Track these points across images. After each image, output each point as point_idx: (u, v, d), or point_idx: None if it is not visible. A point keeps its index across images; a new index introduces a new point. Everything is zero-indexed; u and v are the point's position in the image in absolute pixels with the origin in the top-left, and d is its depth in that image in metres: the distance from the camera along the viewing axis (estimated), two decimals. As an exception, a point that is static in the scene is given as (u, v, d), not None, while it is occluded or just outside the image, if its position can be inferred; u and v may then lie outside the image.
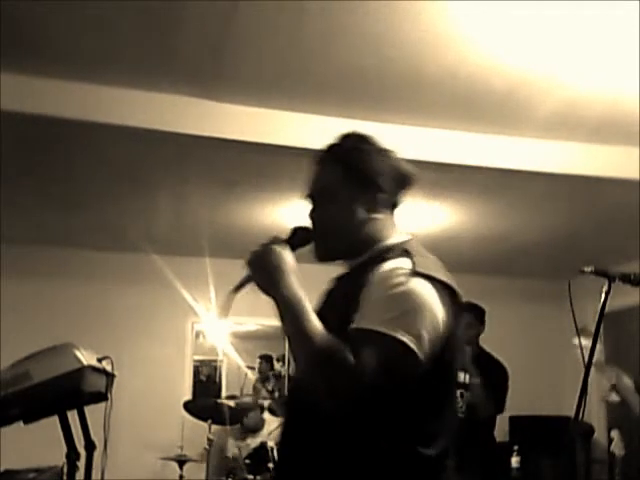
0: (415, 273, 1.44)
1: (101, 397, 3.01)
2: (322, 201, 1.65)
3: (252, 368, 7.13)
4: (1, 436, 3.52)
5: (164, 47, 3.16)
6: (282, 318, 1.44)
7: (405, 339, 1.36)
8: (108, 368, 2.99)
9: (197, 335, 6.85)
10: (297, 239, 1.63)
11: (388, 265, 1.48)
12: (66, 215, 5.48)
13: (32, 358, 2.74)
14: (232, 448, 5.36)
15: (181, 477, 5.08)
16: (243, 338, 7.08)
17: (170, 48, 3.17)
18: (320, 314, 1.44)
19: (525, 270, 6.74)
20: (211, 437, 5.05)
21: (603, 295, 2.60)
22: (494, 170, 4.09)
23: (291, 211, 5.33)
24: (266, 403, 5.80)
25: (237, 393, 6.65)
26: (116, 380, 3.12)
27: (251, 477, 4.79)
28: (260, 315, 7.41)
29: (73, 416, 2.86)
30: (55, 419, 2.74)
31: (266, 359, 7.43)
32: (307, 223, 1.68)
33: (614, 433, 4.14)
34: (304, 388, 1.47)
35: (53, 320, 5.88)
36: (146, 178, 4.65)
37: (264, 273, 1.49)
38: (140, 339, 6.34)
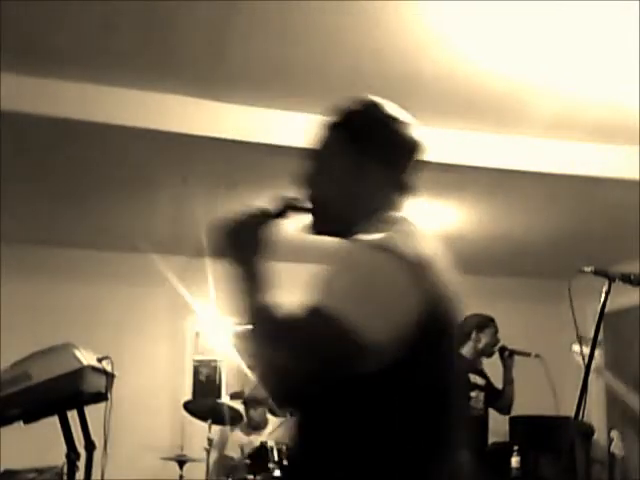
0: (378, 248, 1.29)
1: (101, 397, 3.01)
2: (322, 169, 1.52)
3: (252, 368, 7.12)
4: (1, 436, 3.52)
5: (164, 47, 3.16)
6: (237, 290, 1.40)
7: (344, 316, 1.23)
8: (108, 368, 2.99)
9: (197, 335, 6.85)
10: (285, 210, 1.52)
11: (353, 239, 1.37)
12: (66, 215, 5.48)
13: (32, 358, 2.74)
14: (236, 445, 5.34)
15: (181, 477, 5.08)
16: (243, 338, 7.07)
17: (170, 48, 3.17)
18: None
19: (525, 270, 6.73)
20: (211, 437, 5.04)
21: (603, 295, 2.60)
22: (494, 170, 4.09)
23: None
24: (269, 401, 5.78)
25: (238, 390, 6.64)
26: (116, 380, 3.12)
27: (251, 477, 4.78)
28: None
29: (73, 416, 2.86)
30: (55, 419, 2.74)
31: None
32: (301, 192, 1.55)
33: (614, 433, 4.14)
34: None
35: (53, 320, 5.88)
36: (146, 178, 4.65)
37: (230, 246, 1.45)
38: (140, 339, 6.34)
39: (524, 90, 3.44)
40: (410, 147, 1.50)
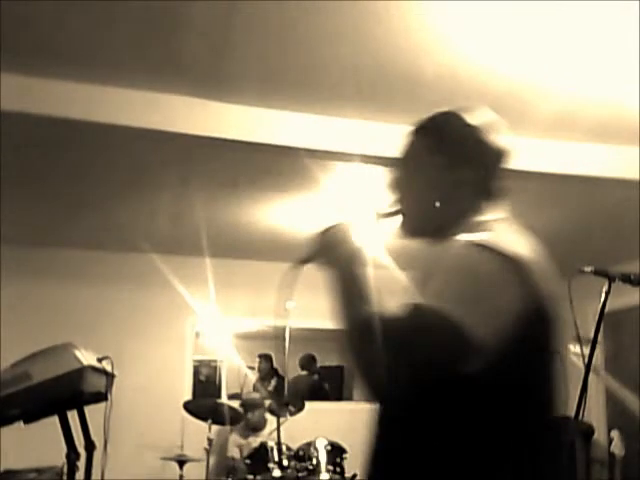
0: (483, 247, 1.32)
1: (101, 397, 3.01)
2: (412, 173, 1.55)
3: (252, 368, 7.14)
4: (1, 436, 3.52)
5: (165, 47, 3.16)
6: (337, 297, 1.40)
7: (451, 315, 1.23)
8: (108, 368, 2.99)
9: (197, 335, 6.85)
10: (383, 214, 1.56)
11: (457, 239, 1.38)
12: (66, 215, 5.48)
13: (32, 358, 2.74)
14: (232, 448, 5.36)
15: (181, 477, 5.08)
16: (243, 338, 7.08)
17: (171, 48, 3.16)
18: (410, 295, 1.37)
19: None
20: (211, 437, 5.05)
21: (603, 295, 2.61)
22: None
23: (291, 211, 5.33)
24: (266, 403, 5.79)
25: (237, 391, 6.65)
26: (116, 380, 3.12)
27: (251, 477, 4.79)
28: (260, 315, 7.45)
29: (73, 416, 2.86)
30: (55, 419, 2.74)
31: (266, 358, 7.43)
32: (391, 197, 1.58)
33: (614, 433, 4.14)
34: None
35: (53, 320, 5.88)
36: (146, 178, 4.65)
37: (330, 252, 1.46)
38: (140, 339, 6.34)
39: (525, 90, 3.44)
40: (497, 153, 1.57)
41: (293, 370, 7.29)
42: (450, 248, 1.38)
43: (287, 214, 5.40)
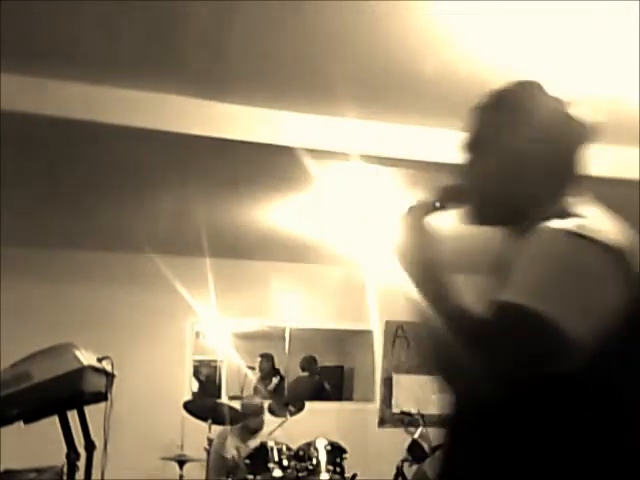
0: (578, 235, 1.19)
1: (101, 397, 3.01)
2: (481, 155, 1.39)
3: (252, 368, 7.14)
4: (1, 436, 3.52)
5: (164, 47, 3.16)
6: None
7: (545, 313, 1.12)
8: (108, 368, 2.99)
9: (197, 335, 6.85)
10: (447, 200, 1.40)
11: (546, 226, 1.24)
12: (66, 215, 5.48)
13: (32, 358, 2.74)
14: (232, 448, 5.36)
15: (181, 477, 5.09)
16: (243, 338, 7.08)
17: (170, 48, 3.16)
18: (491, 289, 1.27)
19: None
20: (211, 437, 5.05)
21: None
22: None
23: (292, 211, 5.33)
24: (266, 403, 5.80)
25: (237, 393, 6.65)
26: (116, 380, 3.12)
27: (251, 477, 4.79)
28: (260, 315, 7.43)
29: (73, 416, 2.86)
30: (55, 419, 2.74)
31: (267, 358, 7.43)
32: (460, 180, 1.43)
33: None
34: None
35: (53, 320, 5.88)
36: (146, 178, 4.64)
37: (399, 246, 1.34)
38: (140, 339, 6.34)
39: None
40: (578, 128, 1.40)
41: (294, 371, 7.30)
42: (536, 236, 1.24)
43: (287, 214, 5.40)
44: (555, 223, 1.24)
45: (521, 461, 1.20)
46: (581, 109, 1.41)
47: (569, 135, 1.39)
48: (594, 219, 1.28)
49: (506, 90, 1.45)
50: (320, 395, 7.18)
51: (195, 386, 6.90)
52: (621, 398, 1.21)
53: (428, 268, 1.31)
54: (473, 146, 1.42)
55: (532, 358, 1.15)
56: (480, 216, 1.41)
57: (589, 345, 1.15)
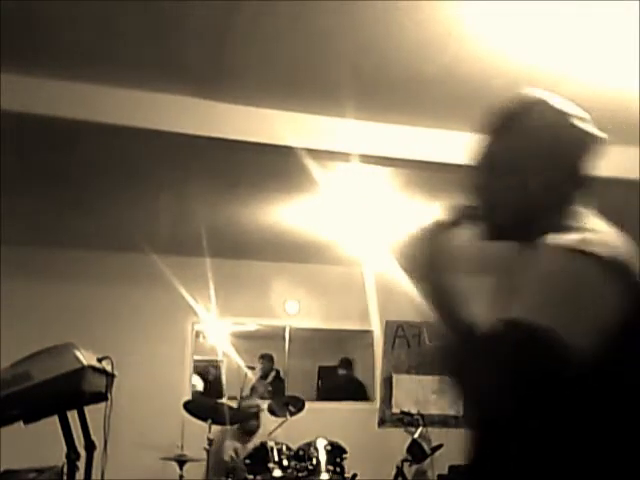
0: (579, 251, 1.25)
1: (101, 397, 3.01)
2: (492, 173, 1.46)
3: (252, 368, 7.14)
4: (1, 436, 3.52)
5: (164, 47, 3.16)
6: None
7: (552, 330, 1.17)
8: (108, 368, 2.99)
9: (197, 335, 6.86)
10: (463, 219, 1.49)
11: (549, 243, 1.30)
12: (66, 215, 5.48)
13: (32, 358, 2.74)
14: (230, 449, 5.37)
15: (181, 477, 5.08)
16: (243, 338, 7.08)
17: (170, 48, 3.16)
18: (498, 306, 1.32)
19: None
20: (211, 437, 5.05)
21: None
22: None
23: (292, 211, 5.33)
24: (266, 403, 5.80)
25: (236, 394, 6.66)
26: (116, 380, 3.12)
27: (251, 477, 4.79)
28: (260, 315, 7.43)
29: (73, 416, 2.86)
30: (55, 419, 2.74)
31: (267, 358, 7.44)
32: (471, 199, 1.50)
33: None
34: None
35: (53, 320, 5.88)
36: (146, 178, 4.65)
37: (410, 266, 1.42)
38: (140, 339, 6.34)
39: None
40: (583, 140, 1.44)
41: (294, 370, 7.30)
42: (540, 253, 1.31)
43: (287, 214, 5.40)
44: (558, 239, 1.30)
45: (546, 468, 1.26)
46: (585, 121, 1.46)
47: (574, 148, 1.44)
48: (596, 232, 1.33)
49: (514, 111, 1.52)
50: (356, 395, 7.26)
51: (201, 385, 6.93)
52: (626, 400, 1.27)
53: (440, 285, 1.38)
54: (486, 169, 1.48)
55: (536, 372, 1.20)
56: (494, 232, 1.48)
57: (596, 358, 1.20)
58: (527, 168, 1.42)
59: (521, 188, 1.42)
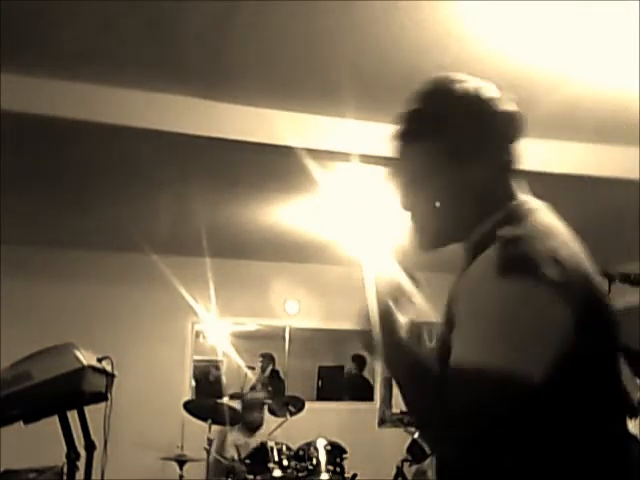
0: (516, 271, 1.12)
1: (101, 397, 3.01)
2: (410, 177, 1.31)
3: (252, 368, 7.15)
4: (1, 436, 3.52)
5: (164, 47, 3.16)
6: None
7: (496, 368, 1.10)
8: (108, 368, 2.99)
9: (197, 335, 6.86)
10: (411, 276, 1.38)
11: (479, 266, 1.18)
12: (66, 215, 5.48)
13: (32, 358, 2.74)
14: (231, 448, 5.36)
15: (181, 477, 5.08)
16: (243, 338, 7.09)
17: (170, 48, 3.16)
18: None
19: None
20: (211, 437, 5.05)
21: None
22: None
23: (291, 211, 5.33)
24: (267, 402, 5.80)
25: (238, 391, 6.66)
26: (116, 380, 3.12)
27: (251, 477, 4.79)
28: (260, 315, 7.43)
29: (73, 416, 2.86)
30: (55, 419, 2.74)
31: (267, 357, 7.45)
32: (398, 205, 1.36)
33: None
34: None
35: (53, 320, 5.88)
36: (146, 178, 4.65)
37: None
38: (140, 339, 6.34)
39: (524, 91, 3.43)
40: (505, 121, 1.31)
41: (294, 370, 7.30)
42: (478, 281, 1.17)
43: (287, 214, 5.40)
44: (491, 255, 1.16)
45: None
46: (503, 100, 1.34)
47: (491, 134, 1.29)
48: (527, 234, 1.21)
49: (417, 97, 1.43)
50: (363, 394, 7.26)
51: (203, 384, 6.92)
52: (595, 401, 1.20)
53: (395, 341, 1.33)
54: (399, 167, 1.35)
55: (495, 408, 1.13)
56: (425, 243, 1.35)
57: (549, 375, 1.13)
58: (447, 165, 1.27)
59: (443, 188, 1.28)
